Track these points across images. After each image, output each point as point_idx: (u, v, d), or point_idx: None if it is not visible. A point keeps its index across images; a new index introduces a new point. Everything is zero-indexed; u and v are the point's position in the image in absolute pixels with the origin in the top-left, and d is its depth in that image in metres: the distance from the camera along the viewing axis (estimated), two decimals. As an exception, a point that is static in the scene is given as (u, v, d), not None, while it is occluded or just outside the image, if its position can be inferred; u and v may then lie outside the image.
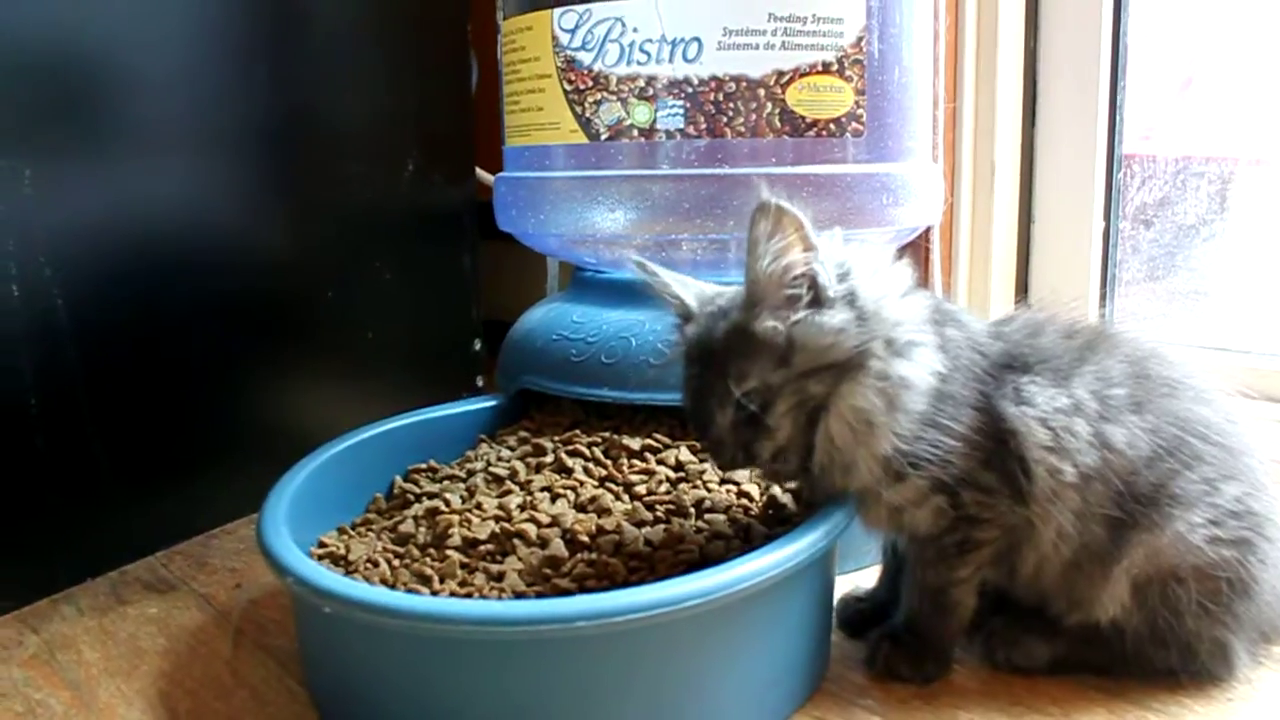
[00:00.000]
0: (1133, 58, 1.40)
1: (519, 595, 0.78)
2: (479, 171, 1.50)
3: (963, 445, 0.75)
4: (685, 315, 0.79)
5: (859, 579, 0.94)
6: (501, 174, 1.14)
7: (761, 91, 0.95)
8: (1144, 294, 1.48)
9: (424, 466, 1.02)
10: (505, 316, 1.18)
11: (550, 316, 1.08)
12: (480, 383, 1.52)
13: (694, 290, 0.80)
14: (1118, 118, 1.41)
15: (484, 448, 1.02)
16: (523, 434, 1.02)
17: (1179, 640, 0.76)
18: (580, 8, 0.98)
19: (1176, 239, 1.47)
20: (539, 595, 0.78)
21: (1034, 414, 0.75)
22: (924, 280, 1.23)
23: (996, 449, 0.76)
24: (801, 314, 0.72)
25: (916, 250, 1.25)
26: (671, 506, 0.87)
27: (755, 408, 0.73)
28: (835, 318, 0.72)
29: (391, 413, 1.07)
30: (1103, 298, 1.45)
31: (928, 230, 1.24)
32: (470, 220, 1.48)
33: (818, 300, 0.72)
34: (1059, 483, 0.75)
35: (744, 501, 0.88)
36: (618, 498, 0.89)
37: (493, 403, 1.10)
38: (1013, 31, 1.41)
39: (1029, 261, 1.48)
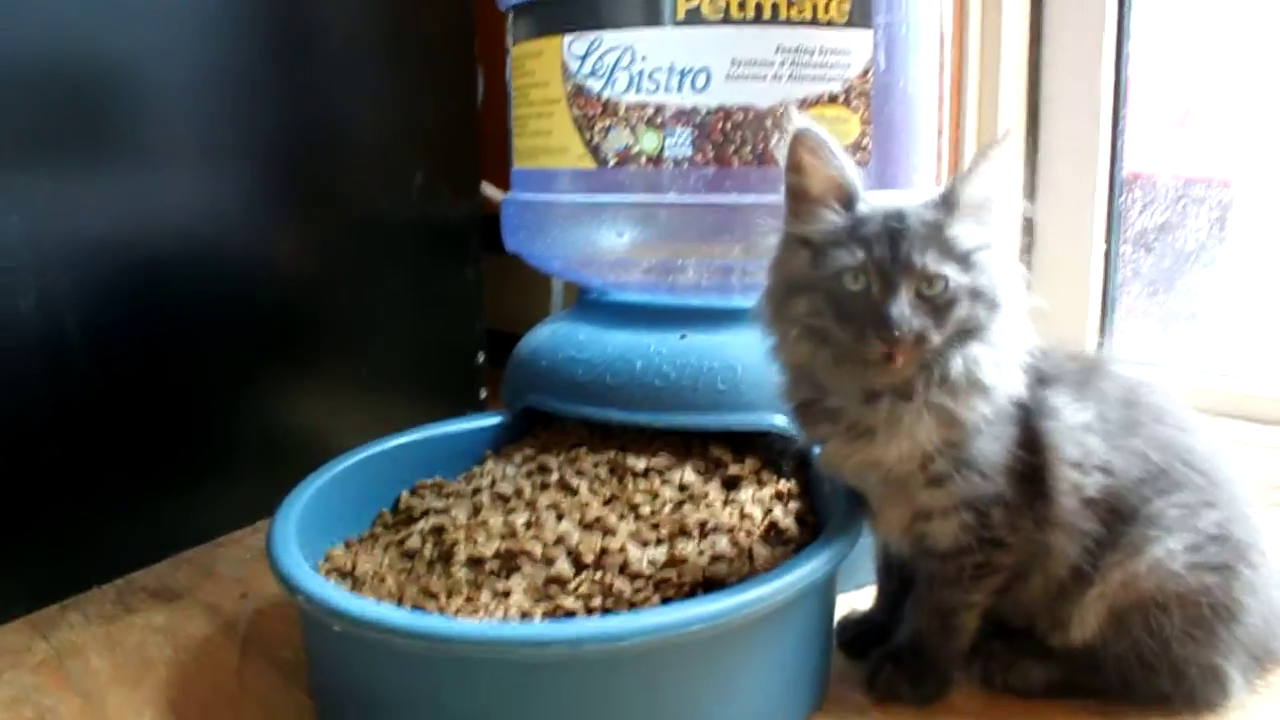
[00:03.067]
0: (1136, 84, 1.42)
1: (524, 613, 0.79)
2: (484, 185, 1.52)
3: (1006, 456, 0.77)
4: (852, 195, 0.75)
5: (858, 598, 0.96)
6: (509, 195, 1.15)
7: (769, 121, 0.96)
8: (1143, 317, 1.50)
9: (430, 483, 1.03)
10: (509, 328, 1.20)
11: (556, 336, 1.09)
12: (484, 395, 1.53)
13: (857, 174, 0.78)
14: (1119, 144, 1.43)
15: (490, 465, 1.04)
16: (528, 452, 1.03)
17: (1168, 666, 0.78)
18: (591, 35, 0.99)
19: (1176, 264, 1.48)
20: (544, 614, 0.79)
21: (1062, 427, 0.78)
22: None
23: (1031, 466, 0.77)
24: (989, 237, 0.73)
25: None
26: (675, 527, 0.88)
27: (941, 298, 0.72)
28: (1007, 261, 0.74)
29: (395, 423, 1.08)
30: (1103, 321, 1.46)
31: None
32: (475, 233, 1.49)
33: (994, 238, 0.74)
34: (1080, 500, 0.77)
35: (746, 523, 0.89)
36: (622, 517, 0.90)
37: (498, 420, 1.11)
38: (1015, 58, 1.42)
39: (1030, 285, 1.49)
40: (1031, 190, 1.47)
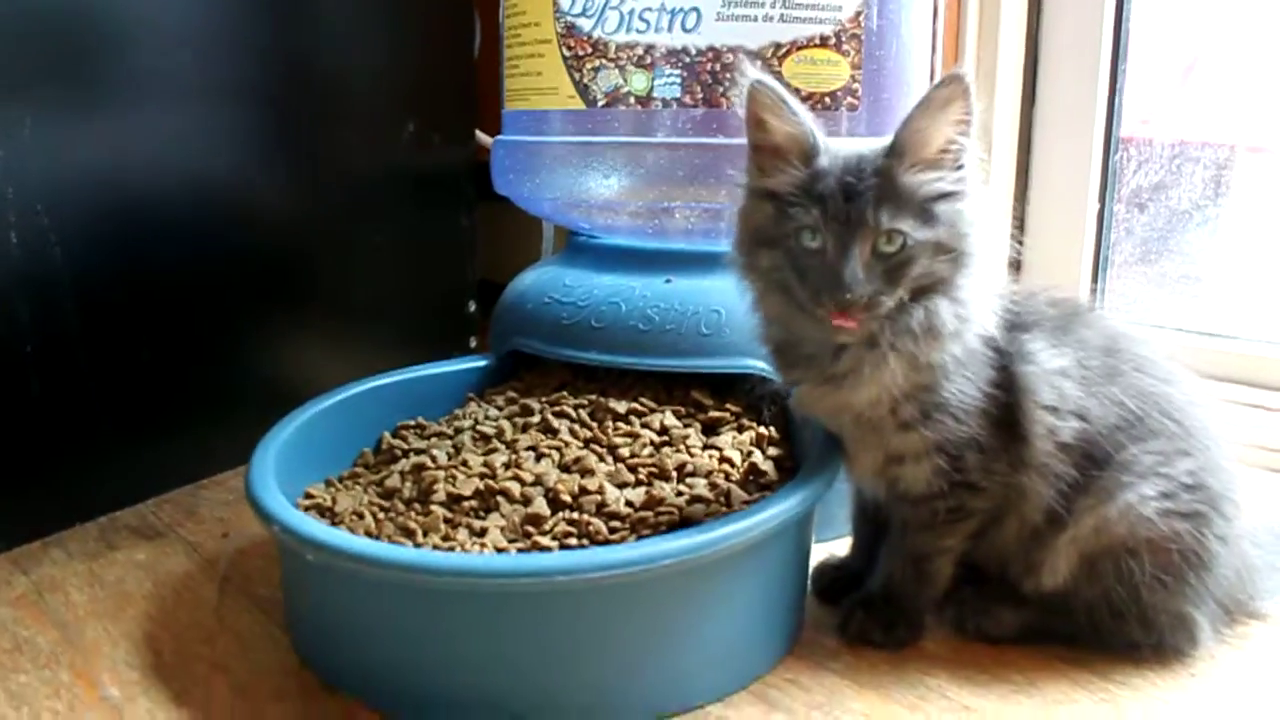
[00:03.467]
0: (1137, 41, 1.41)
1: (500, 551, 0.80)
2: (478, 133, 1.51)
3: (979, 401, 0.76)
4: (811, 149, 0.73)
5: (836, 547, 0.96)
6: (499, 137, 1.15)
7: (758, 63, 0.95)
8: (1135, 277, 1.49)
9: (412, 423, 1.03)
10: (501, 277, 1.19)
11: (542, 280, 1.09)
12: (474, 343, 1.53)
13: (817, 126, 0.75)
14: (1117, 101, 1.42)
15: (472, 406, 1.04)
16: (511, 394, 1.03)
17: (1138, 613, 0.78)
18: (581, -27, 0.98)
19: (1170, 223, 1.47)
20: (520, 552, 0.80)
21: (1038, 371, 0.77)
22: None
23: (1006, 410, 0.77)
24: (949, 187, 0.71)
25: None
26: (654, 469, 0.88)
27: (898, 256, 0.70)
28: (974, 210, 0.72)
29: (384, 370, 1.08)
30: (1095, 279, 1.46)
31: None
32: (468, 181, 1.49)
33: (957, 187, 0.72)
34: (1055, 444, 0.77)
35: (725, 467, 0.89)
36: (601, 459, 0.90)
37: (482, 363, 1.11)
38: (1015, 11, 1.41)
39: (1023, 241, 1.49)
40: (1028, 146, 1.46)
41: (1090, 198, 1.42)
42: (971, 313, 0.74)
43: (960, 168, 0.72)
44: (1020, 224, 1.48)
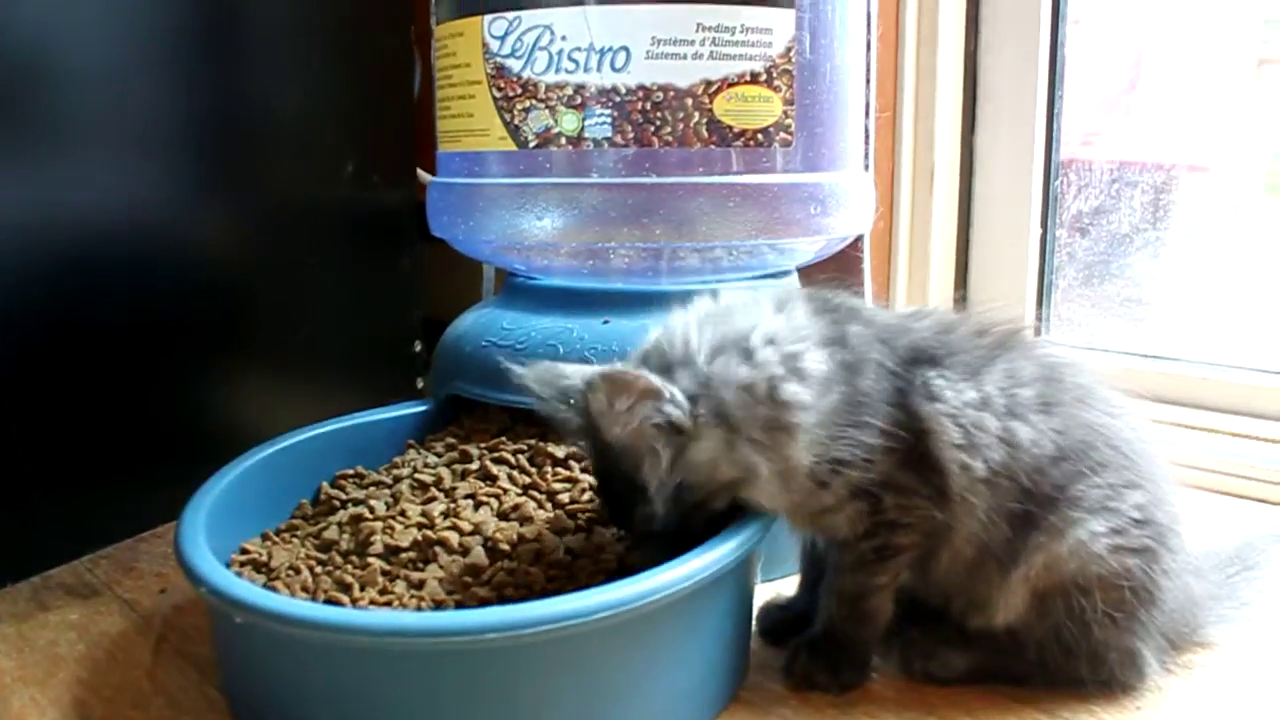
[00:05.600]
0: (1078, 59, 1.42)
1: (438, 604, 0.78)
2: (420, 172, 1.50)
3: (882, 442, 0.75)
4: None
5: (782, 586, 0.95)
6: (434, 179, 1.14)
7: (689, 101, 0.95)
8: (1079, 301, 1.50)
9: (351, 473, 1.01)
10: (449, 317, 1.18)
11: (480, 323, 1.07)
12: (420, 384, 1.51)
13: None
14: (1055, 126, 1.43)
15: (412, 454, 1.02)
16: (450, 440, 1.02)
17: (1087, 650, 0.77)
18: (510, 15, 0.98)
19: (1111, 247, 1.48)
20: (458, 604, 0.78)
21: (945, 409, 0.76)
22: (857, 289, 1.23)
23: (914, 447, 0.76)
24: (671, 452, 0.75)
25: (847, 259, 1.26)
26: (594, 515, 0.87)
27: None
28: (704, 447, 0.75)
29: (328, 415, 1.06)
30: (1039, 304, 1.46)
31: (858, 238, 1.24)
32: (410, 221, 1.47)
33: (679, 434, 0.74)
34: (971, 479, 0.76)
35: (667, 510, 0.88)
36: (540, 506, 0.89)
37: (423, 408, 1.09)
38: (953, 38, 1.42)
39: (967, 269, 1.49)
40: (969, 174, 1.47)
41: (1033, 223, 1.43)
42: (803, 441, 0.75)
43: (673, 428, 0.74)
44: (964, 251, 1.48)
